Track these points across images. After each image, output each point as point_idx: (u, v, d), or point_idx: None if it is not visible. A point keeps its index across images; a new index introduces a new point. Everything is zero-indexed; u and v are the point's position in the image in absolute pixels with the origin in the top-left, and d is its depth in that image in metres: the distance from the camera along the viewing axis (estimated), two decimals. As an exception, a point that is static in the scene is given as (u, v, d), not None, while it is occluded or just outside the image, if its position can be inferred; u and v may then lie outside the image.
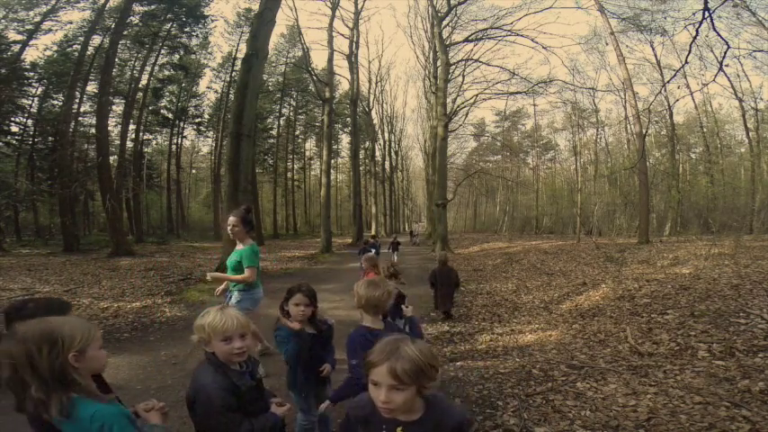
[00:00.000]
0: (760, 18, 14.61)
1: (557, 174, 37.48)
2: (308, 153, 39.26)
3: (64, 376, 1.10)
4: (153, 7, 20.34)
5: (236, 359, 1.45)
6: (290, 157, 35.74)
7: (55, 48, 20.46)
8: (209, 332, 1.41)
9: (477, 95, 18.86)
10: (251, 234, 3.59)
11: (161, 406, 1.37)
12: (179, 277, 9.18)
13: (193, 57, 26.77)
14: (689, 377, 3.04)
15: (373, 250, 9.15)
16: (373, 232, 24.65)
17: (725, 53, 3.80)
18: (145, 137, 26.78)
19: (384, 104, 33.90)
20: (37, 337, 1.09)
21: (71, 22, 19.79)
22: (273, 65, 30.27)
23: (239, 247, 3.53)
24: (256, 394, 1.52)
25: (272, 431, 1.47)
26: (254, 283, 3.46)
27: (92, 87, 20.41)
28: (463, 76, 20.31)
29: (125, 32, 17.67)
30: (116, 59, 17.36)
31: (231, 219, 3.47)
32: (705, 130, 22.89)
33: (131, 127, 23.01)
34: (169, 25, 22.10)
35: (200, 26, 24.35)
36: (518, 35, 16.32)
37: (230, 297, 3.51)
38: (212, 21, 24.95)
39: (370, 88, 29.33)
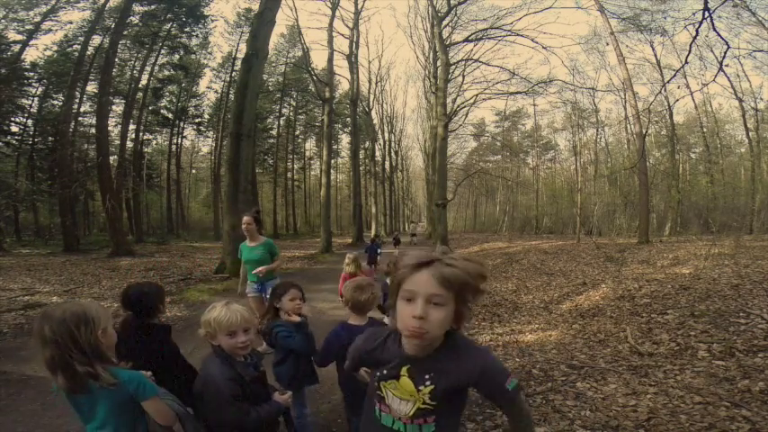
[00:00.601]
0: (760, 18, 14.61)
1: (557, 174, 37.49)
2: (308, 153, 39.27)
3: (98, 350, 1.29)
4: (153, 7, 20.35)
5: (241, 352, 1.53)
6: (290, 157, 35.74)
7: (55, 48, 20.48)
8: (215, 327, 1.49)
9: (477, 95, 18.85)
10: (261, 232, 4.17)
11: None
12: (179, 277, 9.19)
13: (193, 57, 26.78)
14: (689, 377, 3.04)
15: (379, 250, 9.72)
16: (373, 233, 24.69)
17: (725, 53, 3.80)
18: (145, 137, 26.79)
19: (384, 104, 33.91)
20: (75, 317, 1.26)
21: (71, 22, 19.84)
22: (273, 65, 30.27)
23: (253, 243, 4.07)
24: (260, 385, 1.60)
25: (277, 417, 1.55)
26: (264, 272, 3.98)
27: (92, 87, 20.42)
28: (463, 76, 20.30)
29: (125, 32, 17.68)
30: (116, 59, 17.37)
31: (246, 218, 4.07)
32: (705, 130, 22.89)
33: (131, 127, 23.03)
34: (169, 25, 22.11)
35: (200, 26, 24.37)
36: (518, 35, 16.31)
37: (263, 286, 4.00)
38: (212, 21, 25.01)
39: (370, 88, 29.34)
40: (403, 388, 0.99)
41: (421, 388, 0.97)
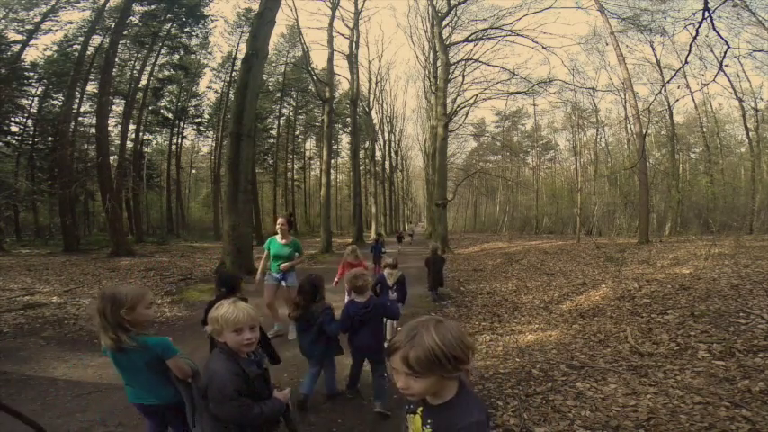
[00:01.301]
0: (760, 18, 14.61)
1: (557, 174, 37.49)
2: (308, 153, 39.25)
3: (119, 323, 1.70)
4: (153, 7, 20.34)
5: (246, 349, 1.60)
6: (290, 157, 35.73)
7: (55, 48, 20.47)
8: (222, 323, 1.56)
9: (477, 95, 18.85)
10: (287, 230, 4.90)
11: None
12: (179, 277, 9.19)
13: (193, 57, 26.77)
14: (689, 377, 3.04)
15: (383, 249, 10.26)
16: (374, 233, 24.77)
17: (725, 53, 3.80)
18: (145, 137, 26.78)
19: (384, 104, 33.90)
20: (107, 298, 1.71)
21: (71, 22, 19.83)
22: (273, 65, 30.26)
23: (284, 241, 4.82)
24: (263, 382, 1.68)
25: (278, 414, 1.65)
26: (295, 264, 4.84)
27: (92, 87, 20.41)
28: (463, 76, 20.31)
29: (125, 32, 17.67)
30: (116, 59, 17.36)
31: (281, 219, 4.89)
32: (705, 130, 22.88)
33: (131, 127, 23.01)
34: (169, 25, 22.10)
35: (200, 26, 24.36)
36: (518, 35, 16.32)
37: (284, 276, 4.72)
38: (212, 21, 24.99)
39: (370, 88, 29.33)
40: (415, 424, 1.12)
41: (425, 429, 1.07)
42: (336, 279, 5.34)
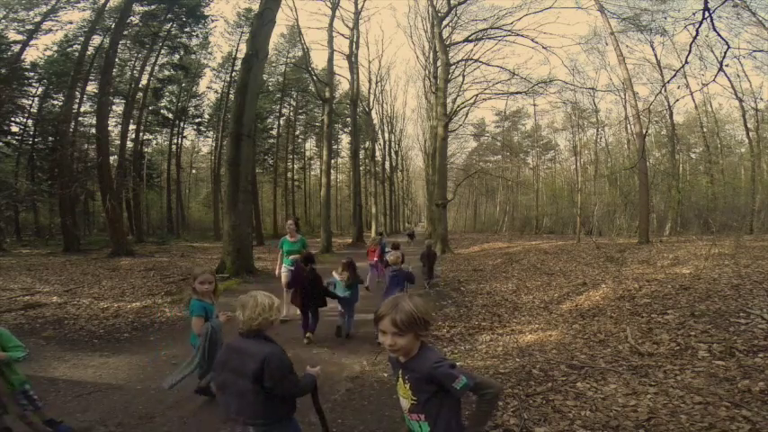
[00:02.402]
0: (760, 18, 14.61)
1: (557, 174, 37.48)
2: (308, 153, 39.23)
3: (193, 290, 2.90)
4: (153, 7, 20.33)
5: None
6: (290, 157, 35.70)
7: (55, 48, 20.48)
8: (276, 314, 1.75)
9: (477, 95, 18.83)
10: (295, 230, 6.03)
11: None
12: (179, 277, 9.18)
13: (193, 57, 26.75)
14: (689, 377, 3.04)
15: (387, 249, 10.69)
16: (373, 234, 24.84)
17: (725, 53, 3.80)
18: (145, 137, 26.77)
19: (384, 104, 33.88)
20: (191, 271, 3.17)
21: (71, 22, 19.83)
22: (273, 65, 30.25)
23: (292, 239, 5.94)
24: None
25: (311, 389, 1.87)
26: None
27: (92, 87, 20.40)
28: (463, 76, 20.30)
29: (125, 32, 17.66)
30: (116, 59, 17.35)
31: (290, 221, 6.21)
32: (705, 130, 22.88)
33: (131, 127, 23.01)
34: (169, 25, 22.09)
35: (200, 26, 24.34)
36: (518, 35, 16.31)
37: (292, 266, 5.67)
38: (212, 21, 24.95)
39: (370, 88, 29.32)
40: (401, 387, 1.42)
41: (407, 386, 1.38)
42: (375, 259, 8.46)
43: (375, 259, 8.51)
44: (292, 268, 5.51)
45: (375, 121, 31.98)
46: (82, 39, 18.26)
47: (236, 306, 1.71)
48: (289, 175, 35.73)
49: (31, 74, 19.97)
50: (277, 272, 6.00)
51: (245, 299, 1.69)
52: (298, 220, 6.26)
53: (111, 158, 19.39)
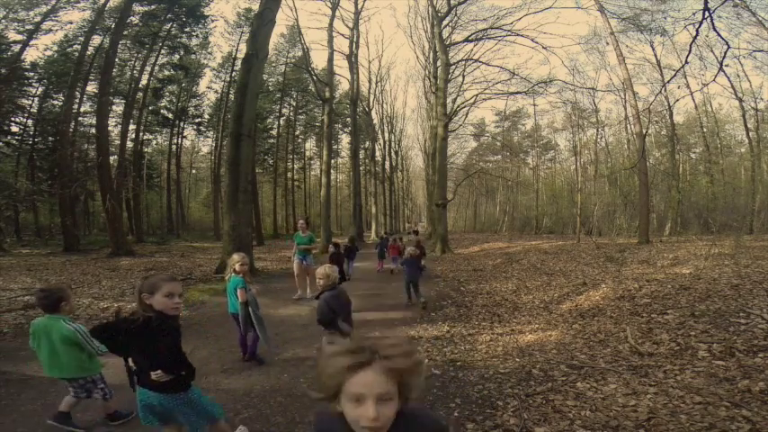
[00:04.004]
0: (760, 18, 14.60)
1: (557, 174, 37.46)
2: (308, 153, 39.21)
3: (234, 271, 3.90)
4: (153, 7, 20.33)
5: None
6: (290, 157, 35.68)
7: (55, 48, 20.46)
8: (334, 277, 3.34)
9: (477, 95, 18.82)
10: (306, 227, 7.42)
11: None
12: (179, 277, 9.18)
13: (193, 57, 26.73)
14: (689, 377, 3.04)
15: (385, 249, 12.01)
16: (374, 235, 24.99)
17: (725, 53, 3.80)
18: (145, 137, 26.75)
19: (384, 104, 33.85)
20: (229, 258, 4.11)
21: (71, 22, 19.81)
22: (273, 65, 30.23)
23: (303, 235, 7.29)
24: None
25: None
26: (312, 249, 7.51)
27: (92, 87, 20.40)
28: (463, 76, 20.30)
29: (125, 32, 17.66)
30: (116, 59, 17.34)
31: (301, 220, 7.67)
32: (705, 130, 22.88)
33: (131, 127, 22.98)
34: (169, 25, 22.09)
35: (200, 26, 24.32)
36: (518, 35, 16.30)
37: (305, 257, 7.25)
38: (212, 21, 24.93)
39: (370, 88, 29.31)
40: None
41: None
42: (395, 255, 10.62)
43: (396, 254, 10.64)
44: (302, 257, 7.17)
45: (375, 121, 31.98)
46: (82, 39, 18.25)
47: (322, 274, 3.27)
48: (289, 175, 35.71)
49: (31, 74, 19.95)
50: (292, 258, 7.53)
51: (327, 271, 3.29)
52: (308, 218, 8.02)
53: (111, 158, 19.38)
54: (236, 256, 3.95)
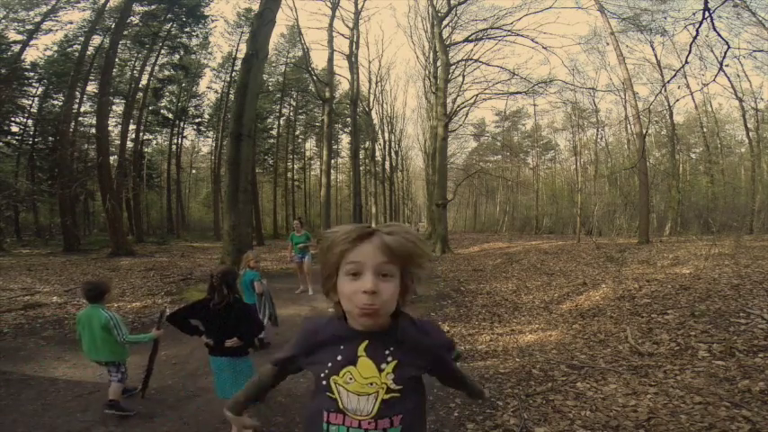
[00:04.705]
0: (760, 18, 14.60)
1: (557, 174, 37.46)
2: (308, 153, 39.19)
3: (248, 266, 4.50)
4: (153, 7, 20.32)
5: None
6: (290, 157, 35.66)
7: (55, 48, 20.43)
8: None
9: (477, 95, 18.83)
10: (305, 228, 7.79)
11: None
12: (179, 277, 9.18)
13: (193, 57, 26.72)
14: (689, 377, 3.04)
15: None
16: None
17: (725, 53, 3.80)
18: (145, 137, 26.72)
19: (384, 104, 33.84)
20: (245, 254, 4.76)
21: (71, 23, 19.79)
22: (273, 65, 30.23)
23: (299, 234, 7.53)
24: None
25: None
26: (310, 247, 7.54)
27: (92, 87, 20.37)
28: (463, 76, 20.30)
29: (125, 32, 17.65)
30: (116, 59, 17.34)
31: (296, 221, 7.98)
32: (705, 130, 22.87)
33: (131, 127, 22.96)
34: (169, 25, 22.08)
35: (200, 26, 24.32)
36: (518, 35, 16.30)
37: (303, 255, 7.45)
38: (212, 21, 24.92)
39: (370, 88, 29.32)
40: (362, 373, 0.85)
41: (383, 366, 0.85)
42: None
43: None
44: (300, 255, 7.47)
45: (375, 121, 31.98)
46: (82, 39, 18.24)
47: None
48: (289, 175, 35.69)
49: (31, 74, 19.94)
50: (289, 258, 7.93)
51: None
52: (301, 218, 8.20)
53: (111, 158, 19.37)
54: (250, 254, 4.60)
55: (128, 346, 3.05)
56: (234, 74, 25.02)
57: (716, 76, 3.89)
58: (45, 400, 3.09)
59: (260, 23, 9.66)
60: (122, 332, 2.93)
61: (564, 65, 42.31)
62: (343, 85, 31.31)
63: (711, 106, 22.90)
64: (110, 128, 19.97)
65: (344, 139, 37.60)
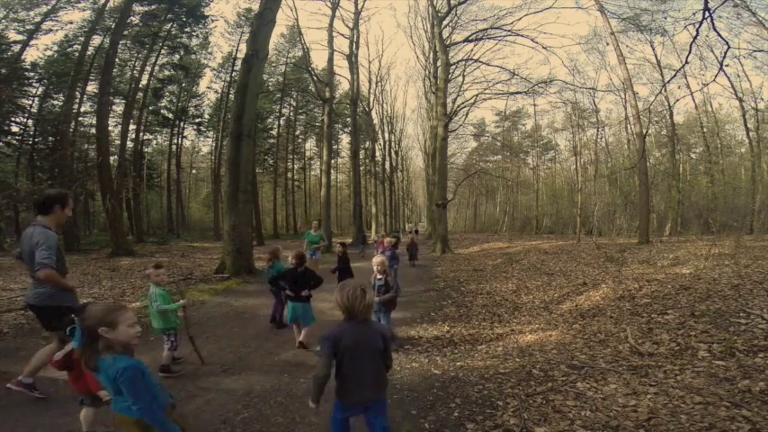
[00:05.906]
0: (760, 18, 14.61)
1: (557, 174, 37.47)
2: (308, 153, 39.23)
3: (278, 258, 5.71)
4: (153, 7, 20.32)
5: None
6: (290, 157, 35.70)
7: (55, 48, 20.46)
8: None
9: (477, 95, 18.82)
10: (318, 227, 9.13)
11: None
12: (179, 277, 9.17)
13: (193, 57, 26.74)
14: (689, 377, 3.04)
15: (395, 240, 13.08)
16: (374, 234, 25.10)
17: (725, 53, 3.79)
18: (145, 137, 26.76)
19: (384, 104, 33.84)
20: (275, 249, 5.94)
21: (71, 22, 19.80)
22: (273, 65, 30.25)
23: (315, 233, 8.85)
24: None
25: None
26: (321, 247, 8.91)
27: (92, 87, 20.40)
28: (463, 76, 20.31)
29: (125, 32, 17.65)
30: (116, 59, 17.33)
31: (314, 221, 9.44)
32: (705, 130, 22.88)
33: (131, 127, 22.99)
34: (169, 25, 22.08)
35: (200, 26, 24.32)
36: (518, 35, 16.30)
37: (315, 253, 8.48)
38: (212, 21, 24.93)
39: (370, 88, 29.32)
40: None
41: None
42: (382, 249, 9.32)
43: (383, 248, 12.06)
44: (311, 253, 8.18)
45: (375, 121, 31.99)
46: (82, 39, 18.25)
47: (378, 262, 4.39)
48: (289, 175, 35.73)
49: (31, 74, 19.94)
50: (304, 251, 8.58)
51: (380, 258, 4.47)
52: (320, 222, 9.75)
53: (111, 158, 19.37)
54: (276, 250, 5.74)
55: (170, 314, 3.73)
56: (234, 74, 25.03)
57: (716, 76, 3.88)
58: (45, 400, 3.09)
59: (260, 23, 9.67)
60: (158, 303, 3.67)
61: (564, 65, 42.38)
62: (343, 85, 31.38)
63: (711, 106, 22.93)
64: (110, 128, 19.99)
65: (344, 139, 37.65)
